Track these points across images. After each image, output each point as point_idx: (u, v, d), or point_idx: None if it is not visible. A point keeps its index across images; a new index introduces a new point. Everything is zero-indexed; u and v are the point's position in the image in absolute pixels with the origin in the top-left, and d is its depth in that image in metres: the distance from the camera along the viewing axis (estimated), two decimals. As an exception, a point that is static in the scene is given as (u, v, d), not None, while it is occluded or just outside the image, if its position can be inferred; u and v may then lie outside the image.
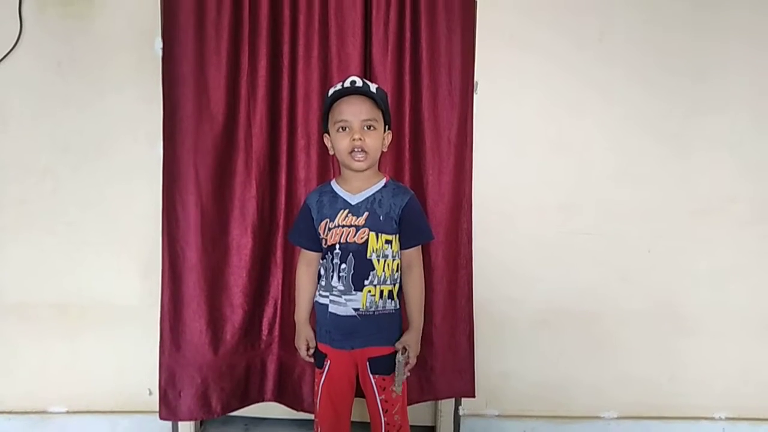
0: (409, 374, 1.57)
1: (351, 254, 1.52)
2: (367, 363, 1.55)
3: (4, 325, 1.95)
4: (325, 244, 1.56)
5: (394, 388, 1.54)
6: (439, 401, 2.01)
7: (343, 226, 1.54)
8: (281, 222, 1.89)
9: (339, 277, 1.53)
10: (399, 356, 1.54)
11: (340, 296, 1.54)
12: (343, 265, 1.53)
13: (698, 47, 1.91)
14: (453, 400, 2.01)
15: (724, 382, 2.02)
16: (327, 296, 1.56)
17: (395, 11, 1.81)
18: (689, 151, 1.95)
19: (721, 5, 1.90)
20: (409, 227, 1.57)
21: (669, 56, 1.91)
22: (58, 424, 1.98)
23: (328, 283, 1.56)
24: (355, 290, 1.52)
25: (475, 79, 1.88)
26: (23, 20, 1.86)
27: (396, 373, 1.53)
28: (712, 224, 1.97)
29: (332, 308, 1.55)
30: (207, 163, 1.82)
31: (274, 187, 1.89)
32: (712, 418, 2.03)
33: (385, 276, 1.54)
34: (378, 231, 1.53)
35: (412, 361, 1.58)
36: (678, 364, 2.01)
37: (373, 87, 1.55)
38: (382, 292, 1.54)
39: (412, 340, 1.58)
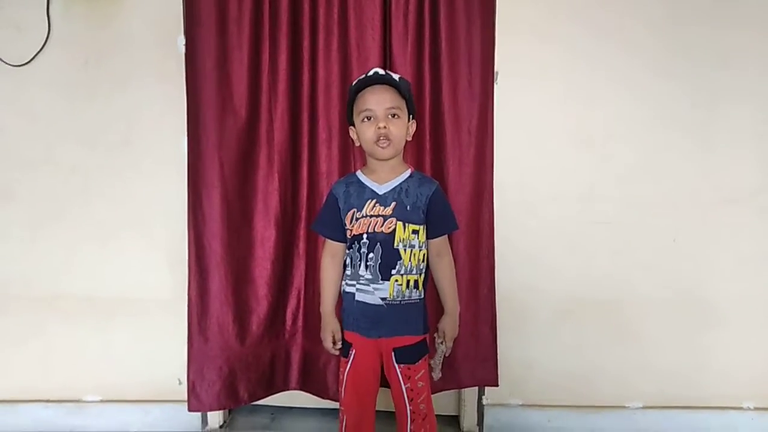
0: (443, 357, 1.66)
1: (378, 244, 1.53)
2: (392, 353, 1.56)
3: (40, 317, 2.01)
4: (351, 234, 1.57)
5: (433, 375, 1.62)
6: (463, 390, 2.03)
7: (371, 216, 1.54)
8: (303, 214, 1.92)
9: (366, 267, 1.55)
10: (437, 342, 1.62)
11: (368, 285, 1.55)
12: (371, 255, 1.54)
13: (719, 37, 1.88)
14: (476, 389, 2.02)
15: (751, 372, 1.99)
16: (354, 285, 1.58)
17: (414, 2, 1.81)
18: (712, 141, 1.92)
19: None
20: (437, 217, 1.58)
21: (690, 47, 1.89)
22: (93, 412, 2.04)
23: (355, 272, 1.57)
24: (382, 279, 1.53)
25: (496, 69, 1.88)
26: (51, 21, 1.90)
27: (435, 359, 1.62)
28: (736, 214, 1.94)
29: (359, 296, 1.56)
30: (231, 157, 1.85)
31: (296, 179, 1.91)
32: (741, 408, 2.01)
33: (411, 266, 1.55)
34: (405, 221, 1.54)
35: (449, 344, 1.64)
36: (704, 353, 1.99)
37: (395, 76, 1.56)
38: (408, 281, 1.55)
39: (447, 325, 1.62)
